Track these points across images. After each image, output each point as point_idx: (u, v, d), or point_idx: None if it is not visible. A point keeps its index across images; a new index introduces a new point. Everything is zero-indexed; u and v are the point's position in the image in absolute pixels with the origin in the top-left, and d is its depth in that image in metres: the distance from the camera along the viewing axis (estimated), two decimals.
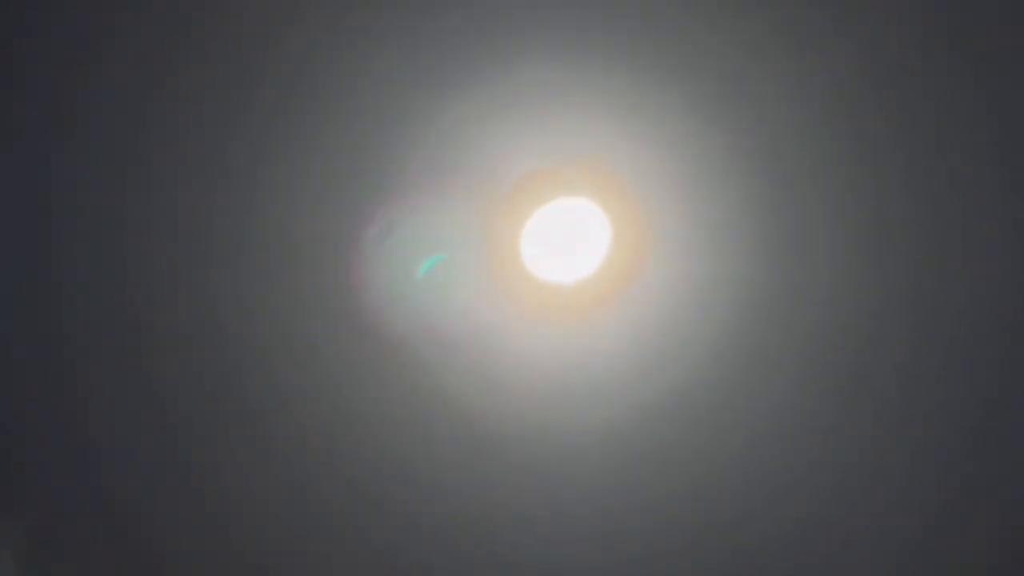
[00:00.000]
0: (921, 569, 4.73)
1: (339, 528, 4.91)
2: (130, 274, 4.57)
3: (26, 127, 4.36)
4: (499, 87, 4.21)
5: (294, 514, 4.87)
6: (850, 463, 4.66)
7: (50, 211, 4.51)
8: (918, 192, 4.31)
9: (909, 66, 4.14)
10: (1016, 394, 4.53)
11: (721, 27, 4.15)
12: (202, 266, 4.50)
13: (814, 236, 4.36)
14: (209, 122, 4.35)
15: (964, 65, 4.14)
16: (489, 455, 4.66)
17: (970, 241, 4.35)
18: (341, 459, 4.77)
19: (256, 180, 4.39)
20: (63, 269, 4.57)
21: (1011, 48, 4.13)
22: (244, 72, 4.28)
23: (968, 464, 4.61)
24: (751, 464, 4.67)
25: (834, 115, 4.22)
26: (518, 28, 4.13)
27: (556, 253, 4.47)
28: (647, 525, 4.79)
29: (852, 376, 4.56)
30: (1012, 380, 4.51)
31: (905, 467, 4.63)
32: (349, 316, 4.54)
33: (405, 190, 4.38)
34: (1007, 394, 4.54)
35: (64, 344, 4.69)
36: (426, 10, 4.16)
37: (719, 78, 4.19)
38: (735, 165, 4.31)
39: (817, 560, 4.80)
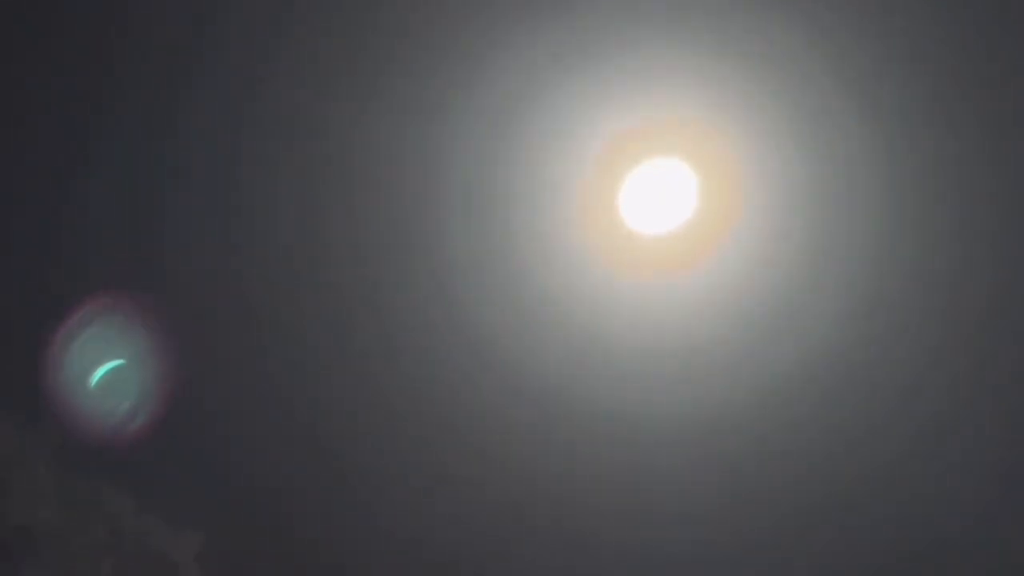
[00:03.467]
0: None
1: None
2: None
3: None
4: (603, 59, 4.35)
5: None
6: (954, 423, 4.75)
7: None
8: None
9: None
10: None
11: None
12: None
13: (902, 195, 4.47)
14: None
15: None
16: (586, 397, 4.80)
17: None
18: None
19: None
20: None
21: None
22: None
23: None
24: (838, 411, 4.81)
25: (924, 81, 4.32)
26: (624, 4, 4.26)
27: (650, 208, 4.66)
28: (734, 470, 4.92)
29: (935, 334, 4.66)
30: None
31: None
32: None
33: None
34: None
35: None
36: None
37: (808, 43, 4.32)
38: (821, 125, 4.44)
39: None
